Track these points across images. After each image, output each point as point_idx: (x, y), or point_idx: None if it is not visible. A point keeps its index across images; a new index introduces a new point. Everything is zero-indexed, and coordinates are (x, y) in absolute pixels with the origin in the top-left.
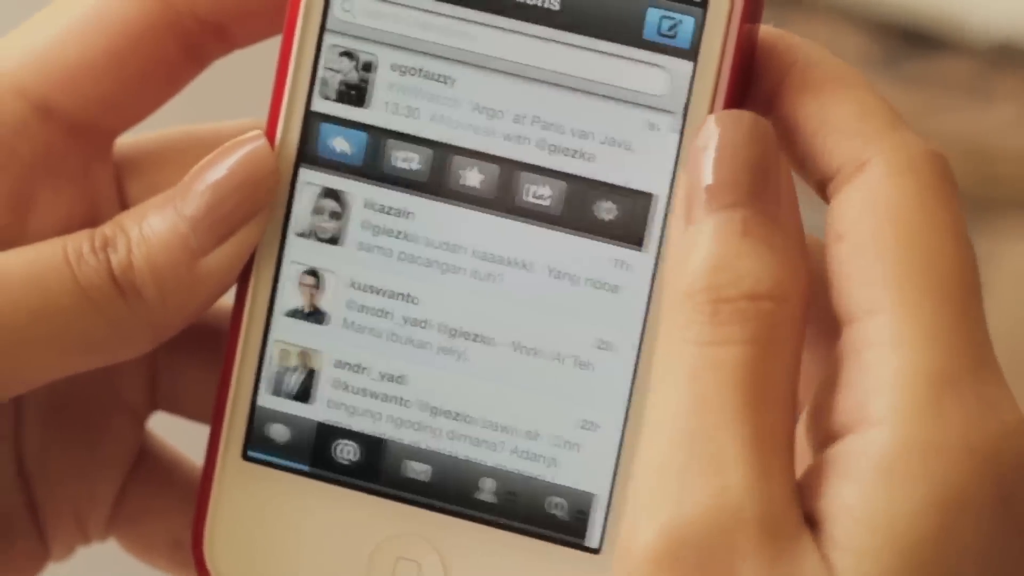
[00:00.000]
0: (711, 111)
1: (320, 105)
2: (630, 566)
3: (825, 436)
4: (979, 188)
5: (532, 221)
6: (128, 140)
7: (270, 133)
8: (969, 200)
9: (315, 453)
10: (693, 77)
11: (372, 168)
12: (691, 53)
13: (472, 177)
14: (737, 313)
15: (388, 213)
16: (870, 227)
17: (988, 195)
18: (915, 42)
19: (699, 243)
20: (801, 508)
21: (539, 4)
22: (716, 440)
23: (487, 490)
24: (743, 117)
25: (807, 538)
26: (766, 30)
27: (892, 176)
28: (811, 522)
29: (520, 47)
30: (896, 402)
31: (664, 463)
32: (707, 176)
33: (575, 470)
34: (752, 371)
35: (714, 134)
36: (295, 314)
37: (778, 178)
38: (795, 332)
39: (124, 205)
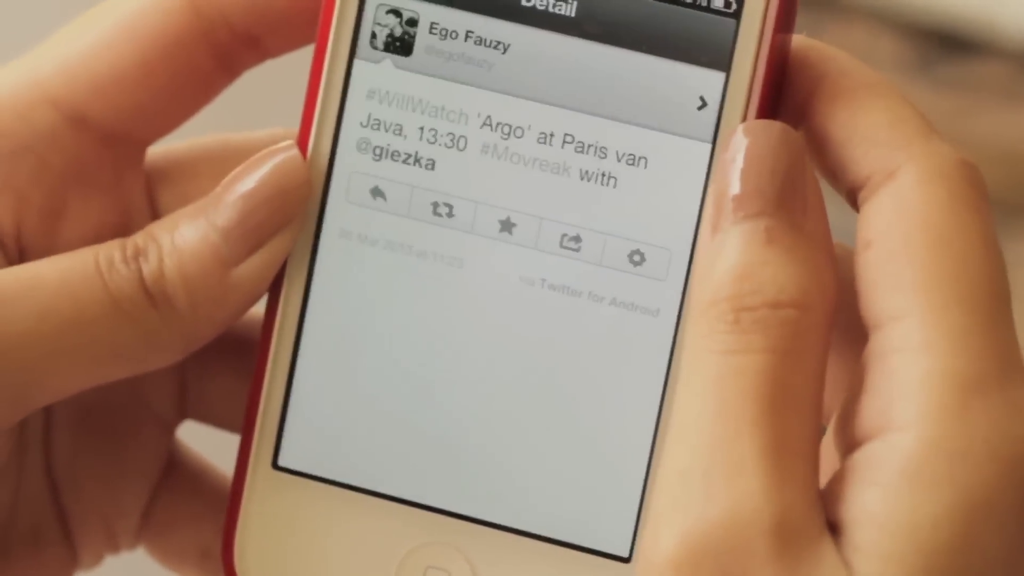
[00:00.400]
0: (743, 122)
1: None
2: (651, 574)
3: (851, 441)
4: (1012, 192)
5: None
6: (160, 150)
7: (302, 143)
8: (1001, 204)
9: (345, 462)
10: (725, 88)
11: None
12: (724, 64)
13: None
14: (759, 322)
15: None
16: (899, 234)
17: (1021, 199)
18: (949, 46)
19: (724, 252)
20: (823, 514)
21: (570, 15)
22: (735, 448)
23: (517, 499)
24: (771, 127)
25: (828, 544)
26: (798, 40)
27: (922, 184)
28: (834, 528)
29: (557, 64)
30: (922, 406)
31: (684, 471)
32: (734, 185)
33: (604, 479)
34: (773, 379)
35: (742, 144)
36: None
37: (805, 187)
38: (819, 340)
39: (155, 215)
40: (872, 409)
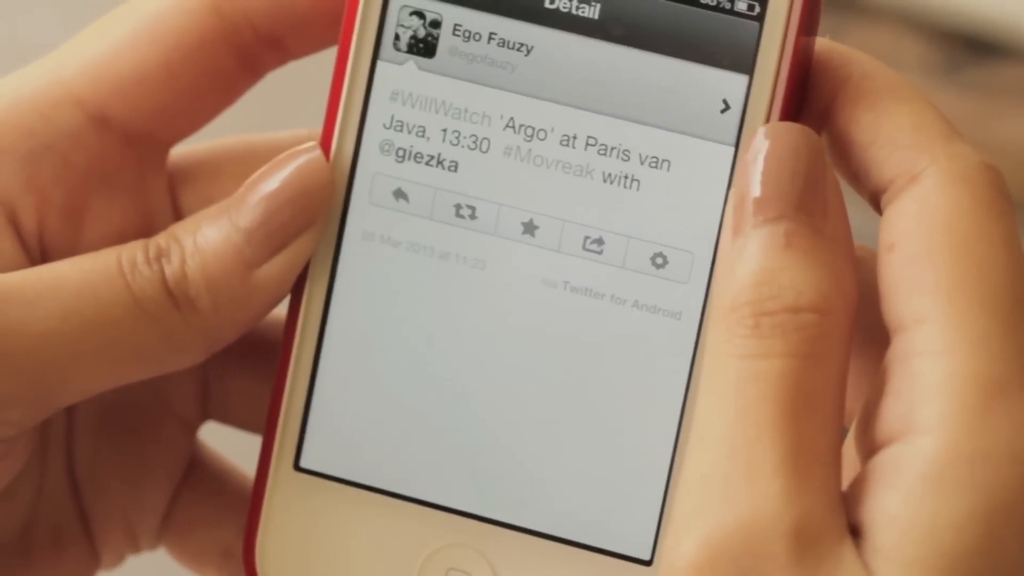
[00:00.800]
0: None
1: None
2: None
3: (872, 445)
4: None
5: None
6: (182, 151)
7: (325, 144)
8: None
9: (366, 463)
10: (748, 91)
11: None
12: (747, 66)
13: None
14: (778, 326)
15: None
16: (922, 237)
17: None
18: (976, 49)
19: (744, 257)
20: (844, 518)
21: (593, 17)
22: (755, 452)
23: (538, 501)
24: (792, 129)
25: (848, 548)
26: (821, 43)
27: (945, 187)
28: (856, 531)
29: (580, 68)
30: (943, 410)
31: (705, 475)
32: (754, 188)
33: (626, 482)
34: (793, 383)
35: (763, 147)
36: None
37: (825, 190)
38: (840, 344)
39: (178, 216)
40: (894, 412)
